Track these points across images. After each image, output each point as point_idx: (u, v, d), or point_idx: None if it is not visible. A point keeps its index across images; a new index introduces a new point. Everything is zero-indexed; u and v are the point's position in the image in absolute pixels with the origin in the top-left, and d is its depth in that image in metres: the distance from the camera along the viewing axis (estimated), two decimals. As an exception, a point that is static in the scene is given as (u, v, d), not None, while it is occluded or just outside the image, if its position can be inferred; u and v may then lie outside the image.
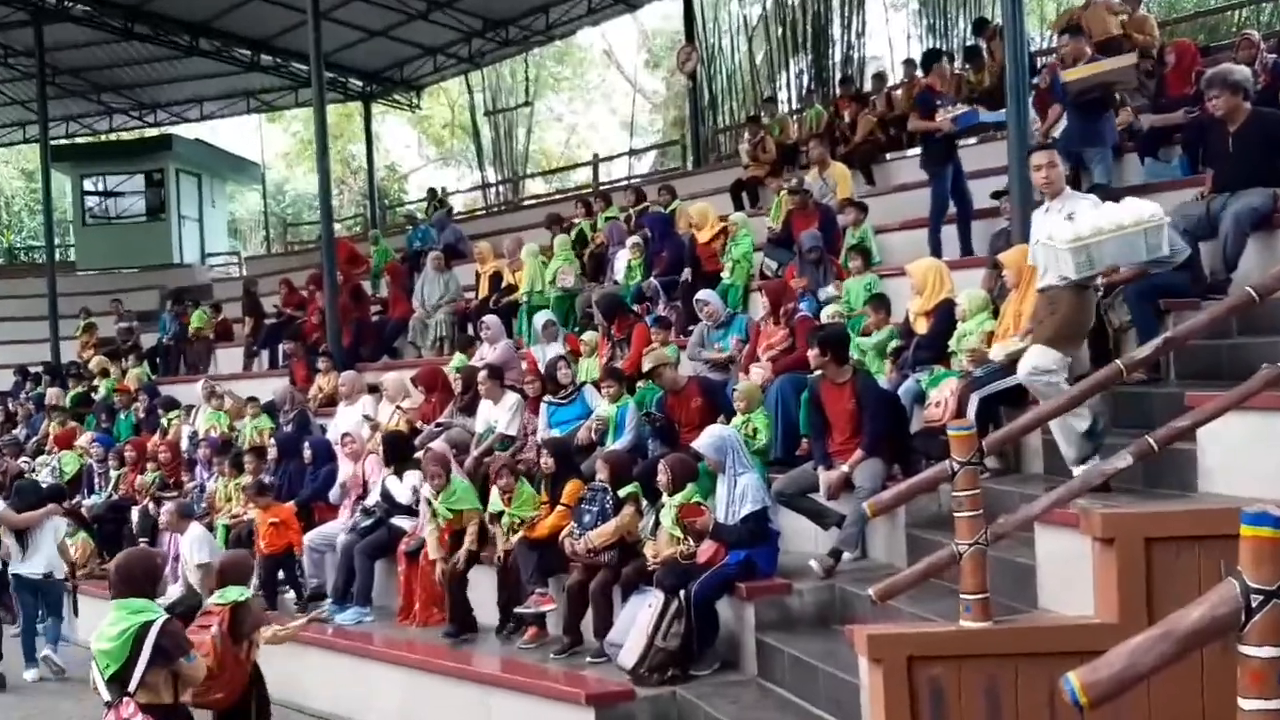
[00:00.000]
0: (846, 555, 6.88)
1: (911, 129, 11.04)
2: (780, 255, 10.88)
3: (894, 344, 8.12)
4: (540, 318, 11.01)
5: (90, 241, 24.94)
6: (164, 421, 13.78)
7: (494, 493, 8.19)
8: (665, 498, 7.13)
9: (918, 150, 13.66)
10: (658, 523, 7.19)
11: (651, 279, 11.39)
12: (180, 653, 4.86)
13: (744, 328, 9.39)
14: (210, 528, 10.24)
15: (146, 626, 4.80)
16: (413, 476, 9.20)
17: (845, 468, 6.89)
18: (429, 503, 8.26)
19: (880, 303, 8.56)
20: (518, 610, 7.82)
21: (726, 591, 6.69)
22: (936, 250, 9.71)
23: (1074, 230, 5.38)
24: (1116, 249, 5.39)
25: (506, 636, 7.94)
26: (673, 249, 11.58)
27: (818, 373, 7.26)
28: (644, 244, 11.84)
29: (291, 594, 9.34)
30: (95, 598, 10.99)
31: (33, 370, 18.75)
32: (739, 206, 13.94)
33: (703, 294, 9.76)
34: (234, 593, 5.67)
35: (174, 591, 9.54)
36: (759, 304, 9.87)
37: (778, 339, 8.73)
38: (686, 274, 11.02)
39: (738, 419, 7.76)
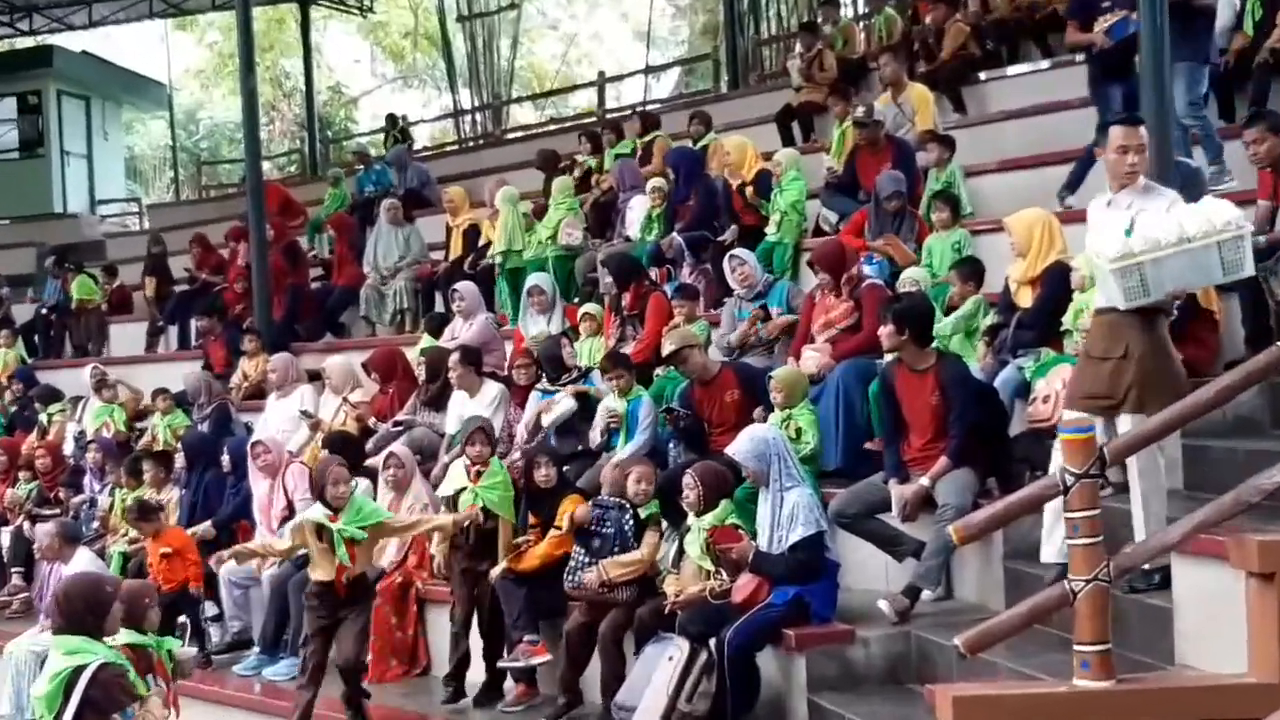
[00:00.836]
0: (926, 594, 6.88)
1: (1069, 43, 10.96)
2: (842, 204, 10.88)
3: (988, 320, 8.12)
4: (531, 281, 11.03)
5: (-55, 185, 25.07)
6: (42, 418, 13.88)
7: (454, 468, 8.36)
8: (692, 519, 7.14)
9: (1021, 69, 13.68)
10: (681, 551, 7.21)
11: (674, 234, 11.40)
12: (114, 707, 4.98)
13: (785, 297, 9.41)
14: (102, 555, 10.31)
15: (78, 672, 4.92)
16: (361, 486, 9.26)
17: (925, 481, 6.89)
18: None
19: (970, 268, 8.56)
20: (501, 664, 7.87)
21: (770, 640, 6.70)
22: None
23: (1124, 243, 5.40)
24: (1180, 269, 5.39)
25: (483, 696, 7.99)
26: (703, 196, 11.59)
27: (891, 357, 7.26)
28: (665, 189, 11.85)
29: (188, 647, 8.01)
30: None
31: None
32: (788, 141, 13.93)
33: (738, 252, 9.78)
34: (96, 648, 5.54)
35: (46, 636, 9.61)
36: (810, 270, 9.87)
37: (839, 314, 8.74)
38: (734, 231, 11.03)
39: (776, 416, 7.79)
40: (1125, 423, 5.62)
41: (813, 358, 8.53)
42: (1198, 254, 5.32)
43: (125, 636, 5.73)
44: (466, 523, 8.11)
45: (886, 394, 7.20)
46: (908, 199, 10.00)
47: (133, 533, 10.52)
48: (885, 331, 7.17)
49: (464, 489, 8.23)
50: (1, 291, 18.68)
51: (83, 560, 9.45)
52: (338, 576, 7.57)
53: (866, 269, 9.32)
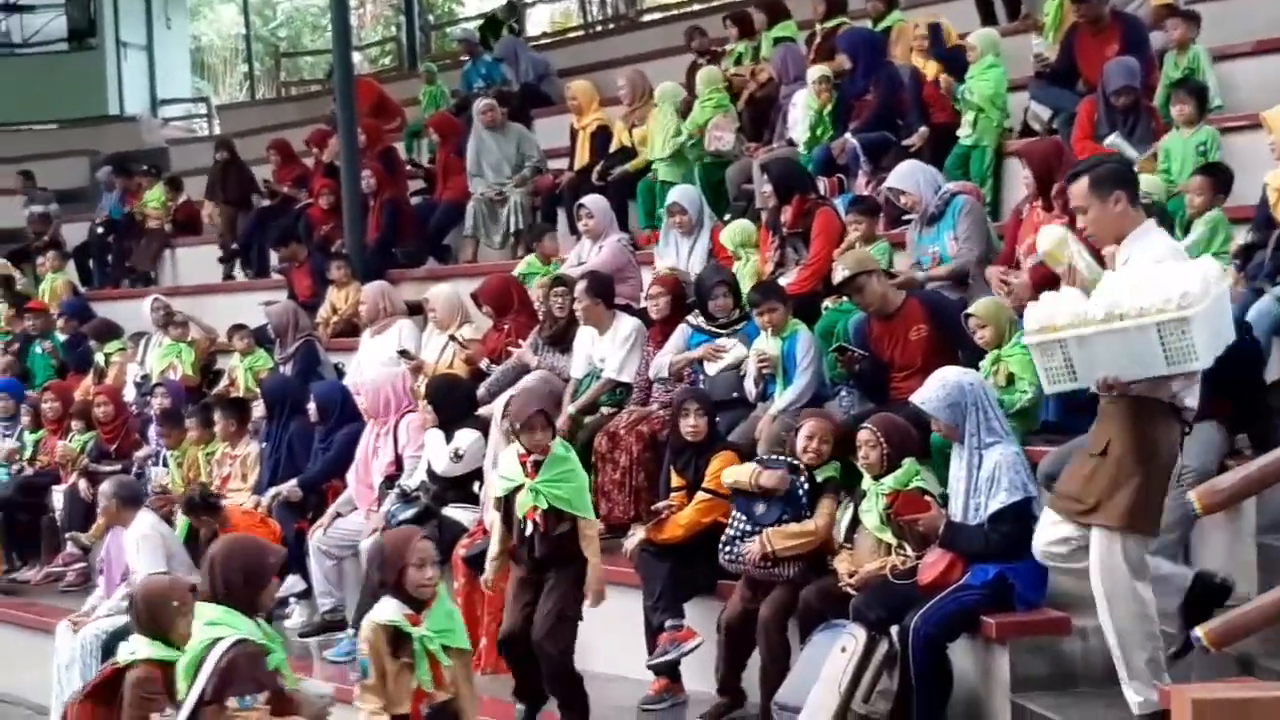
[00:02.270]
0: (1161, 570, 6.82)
1: None
2: (1056, 96, 10.73)
3: (1240, 239, 7.97)
4: (670, 196, 11.06)
5: (-16, 83, 25.73)
6: (99, 358, 14.26)
7: (504, 457, 7.82)
8: (868, 483, 7.16)
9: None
10: (856, 522, 7.23)
11: (848, 135, 11.34)
12: (237, 688, 5.28)
13: (956, 218, 9.29)
14: (168, 519, 10.60)
15: (213, 646, 5.28)
16: (467, 438, 9.43)
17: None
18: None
19: (1217, 174, 8.39)
20: (650, 662, 7.94)
21: (965, 629, 6.70)
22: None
23: (1047, 314, 5.42)
24: (1113, 354, 5.33)
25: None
26: (885, 88, 11.51)
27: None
28: (836, 81, 11.77)
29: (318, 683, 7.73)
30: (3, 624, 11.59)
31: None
32: (989, 20, 13.70)
33: (904, 168, 9.66)
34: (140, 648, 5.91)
35: (104, 608, 10.00)
36: (1017, 177, 9.75)
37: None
38: (922, 133, 10.90)
39: (987, 361, 7.73)
40: (1095, 541, 5.62)
41: (1017, 286, 8.44)
42: (1132, 337, 5.24)
43: (148, 649, 5.99)
44: (529, 530, 7.40)
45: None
46: (1141, 91, 9.80)
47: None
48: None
49: (519, 486, 7.45)
50: (50, 208, 19.22)
51: (145, 524, 9.75)
52: (414, 709, 6.12)
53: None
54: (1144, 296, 5.26)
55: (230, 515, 9.89)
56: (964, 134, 10.68)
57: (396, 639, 5.98)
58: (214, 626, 5.46)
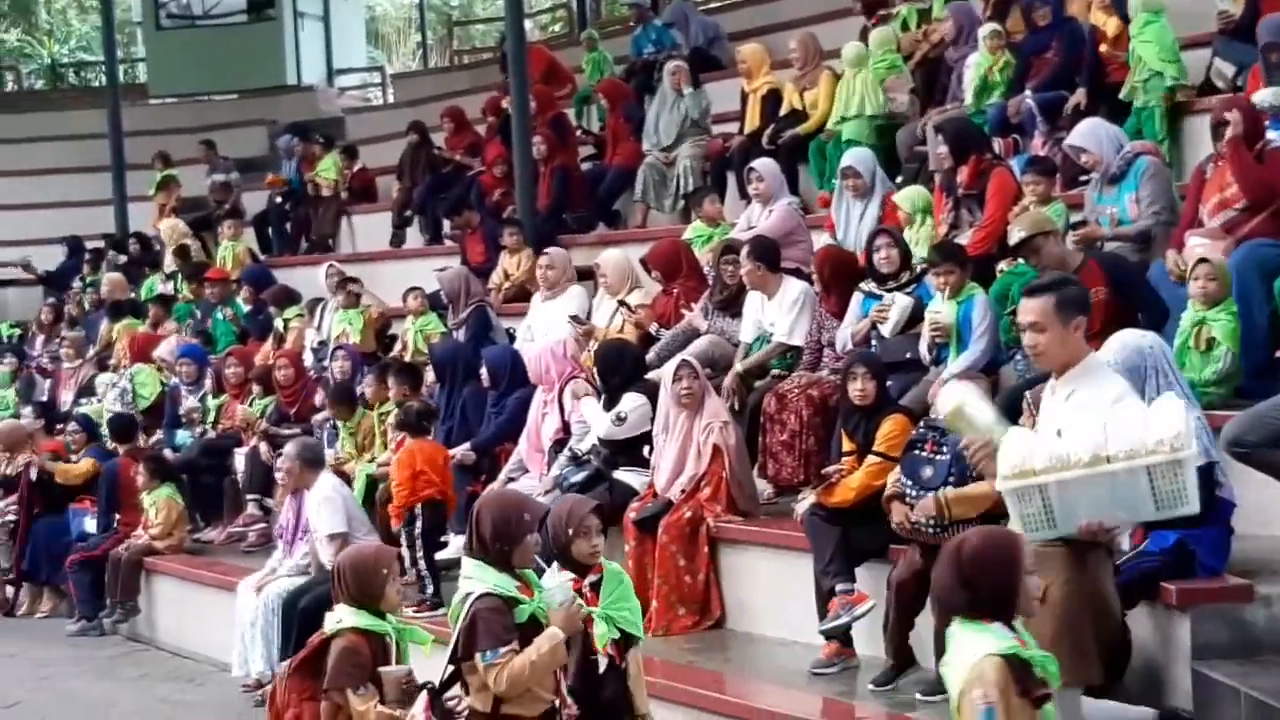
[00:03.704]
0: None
1: None
2: (1241, 53, 10.47)
3: None
4: (845, 160, 10.97)
5: (167, 54, 26.20)
6: (278, 324, 14.60)
7: (549, 581, 5.93)
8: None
9: None
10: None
11: (1025, 95, 11.17)
12: (478, 642, 5.42)
13: (1139, 180, 9.09)
14: (347, 480, 10.80)
15: (466, 599, 5.47)
16: (631, 402, 9.47)
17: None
18: None
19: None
20: (822, 628, 7.92)
21: (1144, 596, 6.59)
22: None
23: (1022, 456, 5.14)
24: (1096, 499, 5.10)
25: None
26: (1066, 46, 11.33)
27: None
28: (1013, 38, 11.57)
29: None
30: (183, 581, 11.89)
31: (91, 245, 20.17)
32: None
33: (1086, 126, 9.49)
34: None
35: (285, 568, 10.29)
36: (1198, 135, 9.52)
37: (1235, 192, 8.46)
38: (1081, 93, 10.79)
39: (1187, 323, 7.59)
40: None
41: (1201, 246, 8.26)
42: (1120, 481, 5.03)
43: (354, 618, 6.17)
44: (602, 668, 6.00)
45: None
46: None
47: (381, 455, 11.00)
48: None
49: (571, 602, 5.82)
50: (231, 177, 19.66)
51: (327, 486, 9.96)
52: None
53: (1271, 133, 8.93)
54: (1129, 438, 5.08)
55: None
56: (1125, 94, 10.52)
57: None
58: (469, 580, 5.59)
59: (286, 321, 14.50)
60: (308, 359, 13.68)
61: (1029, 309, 5.81)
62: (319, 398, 12.63)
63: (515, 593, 5.61)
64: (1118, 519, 5.30)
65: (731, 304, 10.30)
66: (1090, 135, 9.40)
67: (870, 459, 7.88)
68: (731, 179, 13.22)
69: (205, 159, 20.33)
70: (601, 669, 5.86)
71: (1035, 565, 4.77)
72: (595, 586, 5.90)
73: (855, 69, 12.32)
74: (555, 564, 5.99)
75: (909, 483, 7.47)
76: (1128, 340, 6.87)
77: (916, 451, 7.51)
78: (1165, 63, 10.40)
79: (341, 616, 6.29)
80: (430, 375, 11.57)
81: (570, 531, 5.85)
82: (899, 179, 11.40)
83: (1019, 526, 5.20)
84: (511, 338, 12.23)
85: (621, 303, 11.18)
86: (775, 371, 9.73)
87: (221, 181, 19.65)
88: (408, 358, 12.54)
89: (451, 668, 5.66)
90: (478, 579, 5.58)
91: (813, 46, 13.40)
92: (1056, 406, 5.58)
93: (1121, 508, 5.17)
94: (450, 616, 5.77)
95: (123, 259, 18.93)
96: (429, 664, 6.18)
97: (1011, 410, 7.28)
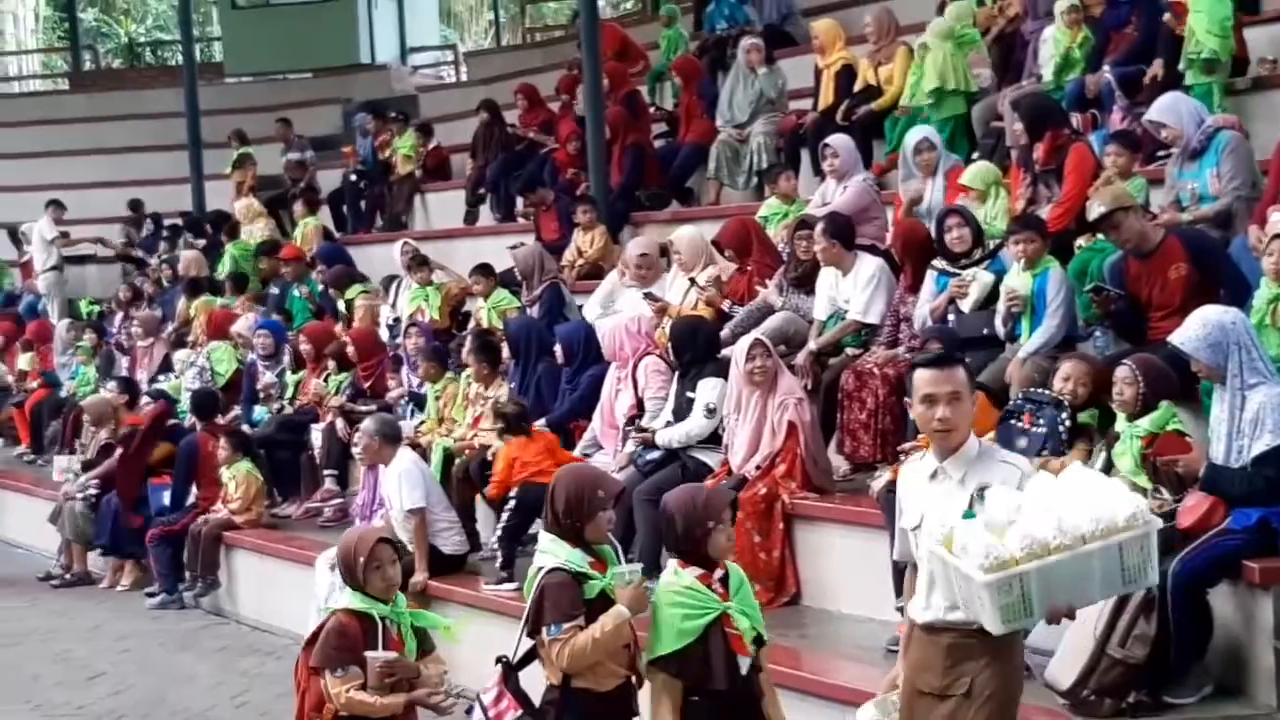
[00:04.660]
0: None
1: None
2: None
3: None
4: (916, 134, 10.94)
5: (243, 33, 26.43)
6: (340, 304, 14.69)
7: (673, 578, 5.70)
8: (1123, 423, 7.04)
9: None
10: (1110, 464, 7.10)
11: (1105, 69, 11.05)
12: (545, 615, 5.46)
13: (1220, 155, 8.97)
14: (423, 455, 10.84)
15: (537, 574, 5.53)
16: (713, 390, 9.41)
17: None
18: None
19: None
20: (900, 603, 7.88)
21: (1227, 575, 6.57)
22: None
23: (990, 546, 4.72)
24: (1071, 580, 4.77)
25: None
26: (1146, 19, 11.20)
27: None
28: (1091, 12, 11.44)
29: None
30: (262, 555, 12.00)
31: (169, 222, 20.36)
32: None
33: (1166, 100, 9.37)
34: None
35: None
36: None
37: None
38: (1158, 64, 10.66)
39: (1263, 299, 7.48)
40: None
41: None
42: (1096, 560, 4.74)
43: (348, 600, 6.21)
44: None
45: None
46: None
47: (458, 430, 11.04)
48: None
49: (640, 582, 5.74)
50: (306, 155, 19.78)
51: (406, 460, 10.01)
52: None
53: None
54: (1096, 514, 4.75)
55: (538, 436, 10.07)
56: (1181, 66, 10.46)
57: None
58: (542, 554, 5.63)
59: (349, 302, 14.56)
60: (383, 334, 13.74)
61: (947, 379, 5.07)
62: (403, 371, 12.67)
63: (586, 568, 5.61)
64: (1090, 598, 4.98)
65: (806, 281, 10.27)
66: (1170, 110, 9.30)
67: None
68: (805, 155, 13.18)
69: (281, 137, 20.49)
70: (744, 669, 5.63)
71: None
72: (724, 581, 5.67)
73: (944, 43, 12.19)
74: (673, 561, 5.73)
75: (1002, 452, 7.45)
76: (1209, 316, 6.83)
77: (1012, 422, 7.49)
78: (1210, 35, 10.24)
79: (336, 599, 6.43)
80: (505, 351, 11.59)
81: (711, 524, 5.62)
82: (975, 154, 11.32)
83: (994, 621, 4.75)
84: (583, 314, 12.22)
85: (694, 280, 11.16)
86: (849, 350, 9.68)
87: (297, 160, 19.81)
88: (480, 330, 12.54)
89: (520, 638, 5.70)
90: (550, 553, 5.60)
91: (888, 21, 13.37)
92: (949, 490, 5.06)
93: (1095, 588, 4.85)
94: (524, 591, 5.82)
95: (201, 241, 19.11)
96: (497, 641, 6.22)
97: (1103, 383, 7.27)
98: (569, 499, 5.66)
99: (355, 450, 10.98)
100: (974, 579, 4.70)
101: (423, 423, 11.64)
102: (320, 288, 15.63)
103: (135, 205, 21.53)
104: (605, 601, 5.59)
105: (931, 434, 5.15)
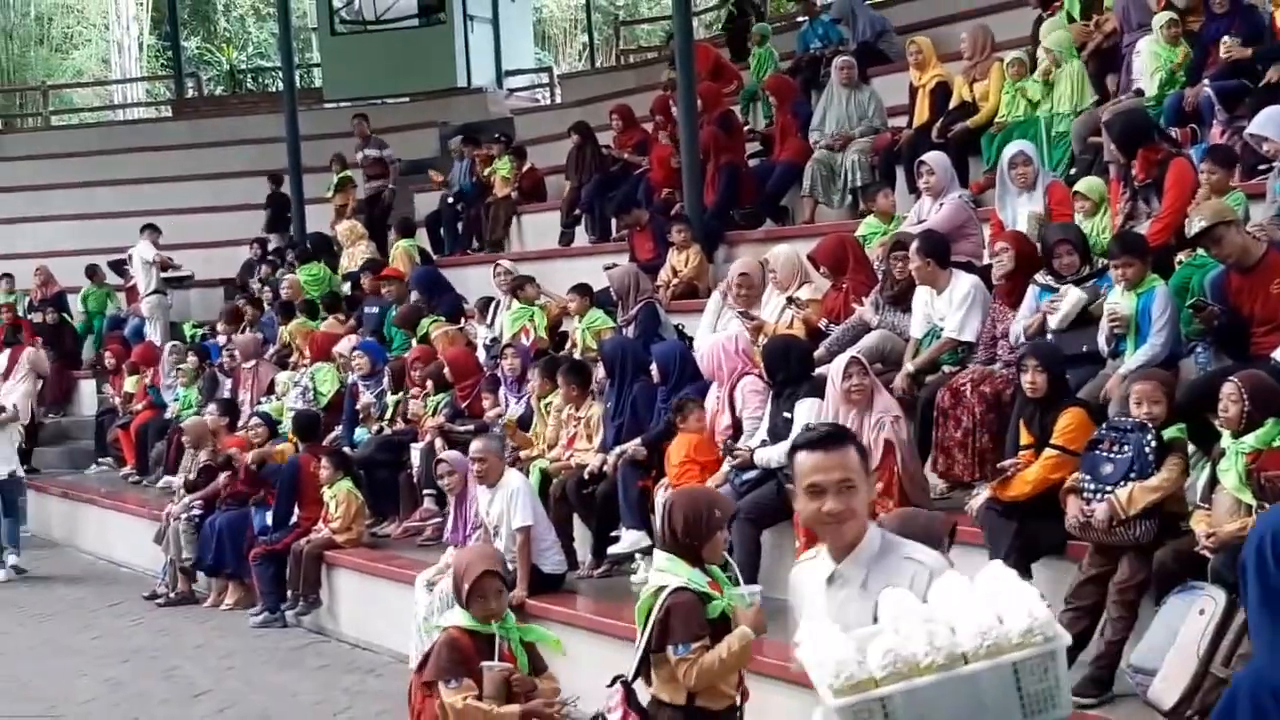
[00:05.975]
0: None
1: None
2: None
3: None
4: (1014, 148, 10.84)
5: (342, 59, 26.65)
6: (422, 332, 14.71)
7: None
8: (1228, 440, 6.95)
9: None
10: (1214, 481, 7.05)
11: (1204, 84, 10.91)
12: (671, 635, 5.53)
13: None
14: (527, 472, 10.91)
15: (660, 592, 5.59)
16: (810, 410, 9.36)
17: None
18: None
19: None
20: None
21: None
22: None
23: (852, 662, 3.95)
24: (953, 707, 3.92)
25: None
26: (1244, 35, 11.08)
27: None
28: (1190, 26, 11.33)
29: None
30: (362, 574, 12.09)
31: (273, 246, 20.64)
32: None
33: (1267, 114, 9.30)
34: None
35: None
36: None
37: None
38: (1276, 69, 10.51)
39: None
40: None
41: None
42: (983, 685, 3.91)
43: (459, 618, 6.38)
44: None
45: None
46: None
47: (554, 450, 11.09)
48: None
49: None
50: (385, 153, 20.24)
51: (517, 480, 10.12)
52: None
53: None
54: (983, 627, 3.95)
55: None
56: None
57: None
58: (661, 574, 5.69)
59: (424, 335, 14.60)
60: (481, 356, 13.81)
61: (837, 464, 4.33)
62: (500, 391, 12.72)
63: (707, 589, 5.68)
64: None
65: (902, 299, 10.24)
66: (1270, 123, 9.23)
67: (1048, 452, 7.81)
68: (900, 173, 13.14)
69: (358, 132, 20.76)
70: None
71: None
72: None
73: (1073, 60, 12.15)
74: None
75: (1088, 479, 7.45)
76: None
77: (1097, 451, 7.44)
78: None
79: (449, 615, 6.60)
80: (600, 371, 11.62)
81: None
82: (1073, 170, 11.23)
83: None
84: (681, 335, 12.22)
85: (790, 298, 11.14)
86: (946, 367, 9.63)
87: (374, 157, 20.08)
88: (577, 355, 12.60)
89: (638, 657, 5.74)
90: (670, 572, 5.65)
91: (983, 38, 13.33)
92: (850, 598, 4.34)
93: (983, 716, 3.96)
94: (639, 610, 5.81)
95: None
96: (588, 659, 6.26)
97: (1199, 402, 7.18)
98: (687, 519, 5.72)
99: (443, 482, 11.10)
100: (824, 701, 3.97)
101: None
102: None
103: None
104: (725, 623, 5.69)
105: (821, 530, 4.43)
